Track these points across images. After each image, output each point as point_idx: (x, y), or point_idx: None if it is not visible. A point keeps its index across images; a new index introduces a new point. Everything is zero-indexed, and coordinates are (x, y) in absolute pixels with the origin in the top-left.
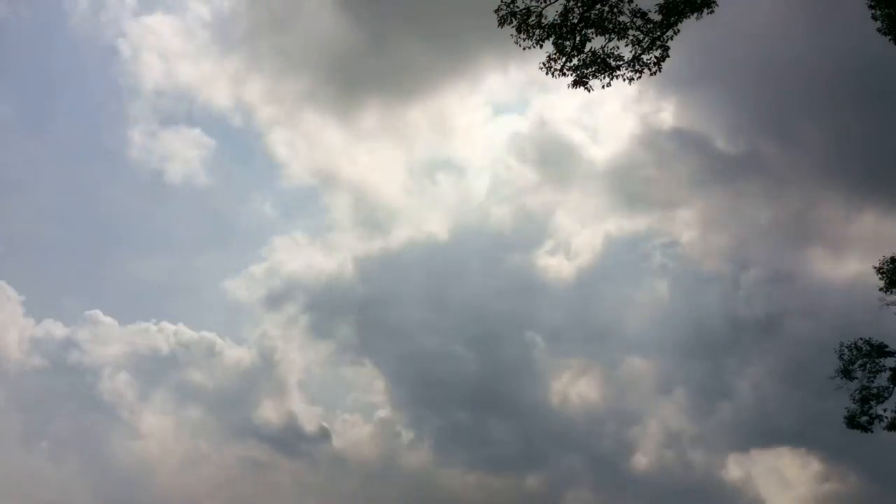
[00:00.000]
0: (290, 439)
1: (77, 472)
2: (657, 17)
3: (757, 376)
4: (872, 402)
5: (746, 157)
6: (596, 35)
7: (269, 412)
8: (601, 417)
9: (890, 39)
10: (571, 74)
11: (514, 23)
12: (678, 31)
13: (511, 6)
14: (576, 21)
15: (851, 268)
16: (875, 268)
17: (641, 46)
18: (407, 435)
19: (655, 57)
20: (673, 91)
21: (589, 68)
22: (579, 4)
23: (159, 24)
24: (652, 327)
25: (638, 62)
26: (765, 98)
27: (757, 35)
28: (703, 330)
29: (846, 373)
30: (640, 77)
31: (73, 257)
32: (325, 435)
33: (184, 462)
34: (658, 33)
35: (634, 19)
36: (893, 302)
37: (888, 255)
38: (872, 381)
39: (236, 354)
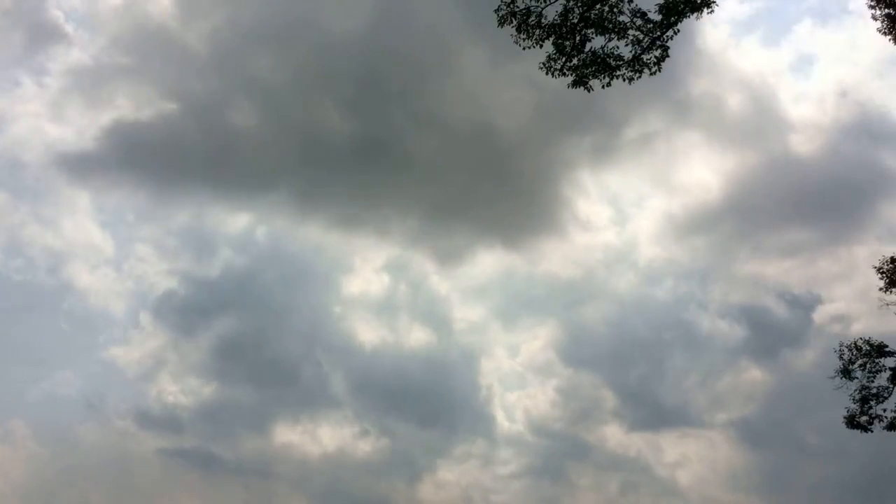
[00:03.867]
0: None
1: None
2: (657, 17)
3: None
4: (872, 402)
5: None
6: (596, 35)
7: None
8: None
9: (890, 39)
10: (571, 74)
11: (514, 23)
12: (678, 30)
13: (511, 6)
14: (576, 21)
15: None
16: (875, 268)
17: (641, 46)
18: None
19: (655, 57)
20: None
21: (589, 68)
22: (579, 4)
23: None
24: None
25: (638, 62)
26: None
27: None
28: None
29: (846, 373)
30: (640, 77)
31: None
32: None
33: None
34: (658, 33)
35: (634, 19)
36: (893, 302)
37: (888, 255)
38: (872, 381)
39: None
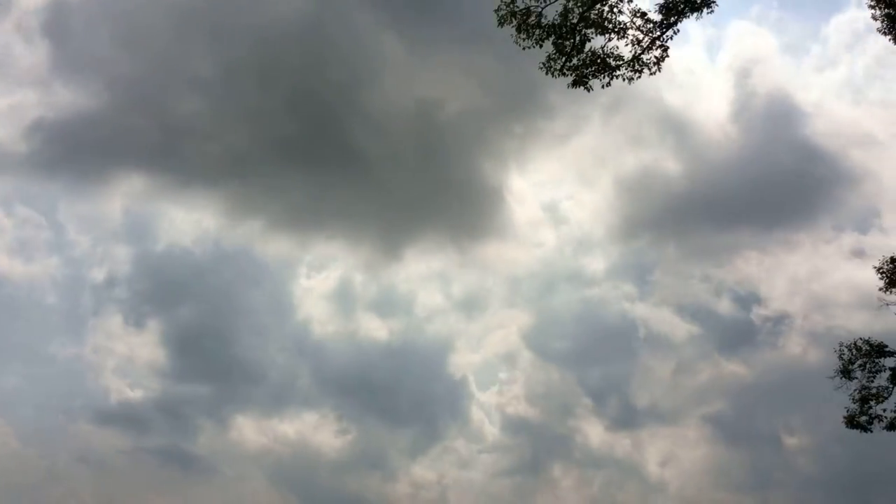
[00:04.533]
0: None
1: None
2: (657, 17)
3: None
4: (872, 402)
5: None
6: (596, 35)
7: None
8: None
9: (890, 39)
10: (571, 74)
11: (514, 23)
12: (678, 31)
13: (511, 6)
14: (576, 21)
15: None
16: (875, 268)
17: (641, 46)
18: None
19: (655, 57)
20: None
21: (589, 68)
22: (579, 4)
23: None
24: None
25: (638, 62)
26: None
27: None
28: None
29: (845, 373)
30: (639, 77)
31: None
32: None
33: None
34: (658, 33)
35: (634, 19)
36: (893, 302)
37: (888, 255)
38: (872, 381)
39: None
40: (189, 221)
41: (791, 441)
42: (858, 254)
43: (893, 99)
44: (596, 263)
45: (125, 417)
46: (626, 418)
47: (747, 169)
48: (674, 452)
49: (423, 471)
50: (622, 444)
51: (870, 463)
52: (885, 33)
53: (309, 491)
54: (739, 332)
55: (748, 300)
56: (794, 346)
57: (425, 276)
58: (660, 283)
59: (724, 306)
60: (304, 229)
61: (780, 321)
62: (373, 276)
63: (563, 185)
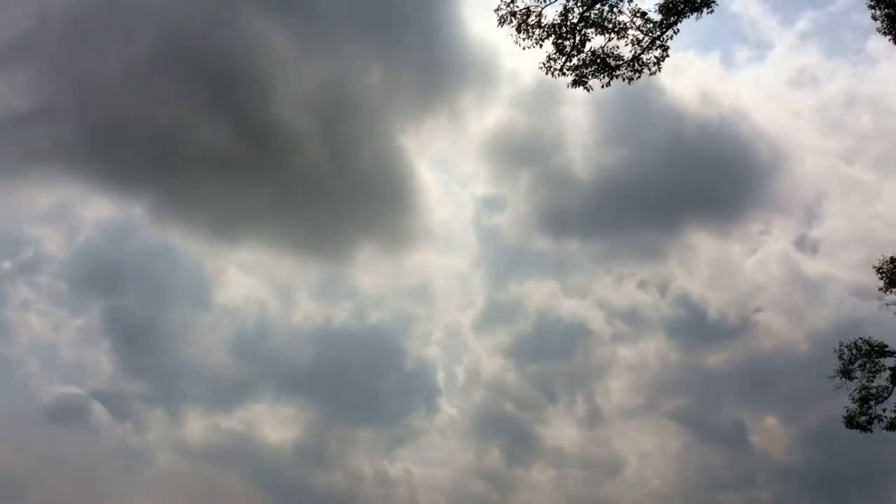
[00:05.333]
0: None
1: None
2: (657, 17)
3: None
4: (872, 402)
5: None
6: (596, 35)
7: None
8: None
9: (890, 39)
10: (571, 74)
11: (514, 22)
12: (678, 30)
13: (511, 6)
14: (575, 21)
15: None
16: (875, 268)
17: (641, 46)
18: None
19: (655, 57)
20: None
21: (589, 68)
22: (579, 4)
23: None
24: None
25: (638, 62)
26: None
27: None
28: None
29: (846, 373)
30: (639, 77)
31: None
32: None
33: None
34: (658, 33)
35: (634, 19)
36: (893, 302)
37: (888, 255)
38: (872, 381)
39: None
40: (114, 218)
41: (753, 435)
42: (798, 243)
43: (788, 82)
44: (528, 257)
45: (64, 414)
46: (589, 414)
47: (666, 161)
48: (637, 445)
49: (390, 465)
50: (587, 439)
51: (840, 456)
52: (885, 33)
53: (274, 487)
54: (681, 327)
55: (686, 297)
56: (752, 338)
57: (365, 270)
58: (589, 279)
59: (662, 303)
60: (233, 224)
61: (724, 316)
62: (311, 270)
63: (477, 176)
